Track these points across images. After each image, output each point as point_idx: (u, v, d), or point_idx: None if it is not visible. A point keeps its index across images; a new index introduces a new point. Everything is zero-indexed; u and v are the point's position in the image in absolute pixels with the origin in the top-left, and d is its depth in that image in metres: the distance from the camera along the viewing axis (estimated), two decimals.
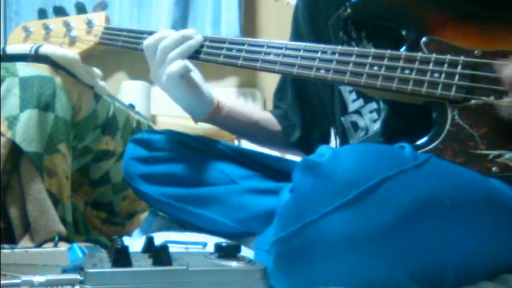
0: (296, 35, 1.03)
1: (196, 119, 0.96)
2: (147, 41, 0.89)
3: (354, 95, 0.88)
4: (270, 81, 2.61)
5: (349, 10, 0.80)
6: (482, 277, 0.61)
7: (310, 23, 0.97)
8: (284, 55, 0.81)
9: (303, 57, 0.79)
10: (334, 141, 0.97)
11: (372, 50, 0.75)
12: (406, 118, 0.78)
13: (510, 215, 0.60)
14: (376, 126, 0.84)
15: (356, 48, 0.76)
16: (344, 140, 0.91)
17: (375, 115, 0.84)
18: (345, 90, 0.89)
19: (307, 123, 1.05)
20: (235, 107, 1.00)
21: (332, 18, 0.86)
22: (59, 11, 1.07)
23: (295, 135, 1.05)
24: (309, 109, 1.05)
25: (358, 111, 0.87)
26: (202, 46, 0.89)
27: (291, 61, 0.80)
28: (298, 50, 0.80)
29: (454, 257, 0.57)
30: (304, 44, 0.80)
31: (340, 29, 0.84)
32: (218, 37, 0.89)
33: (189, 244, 0.81)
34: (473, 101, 0.68)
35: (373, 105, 0.84)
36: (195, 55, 0.89)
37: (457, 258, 0.57)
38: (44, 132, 1.02)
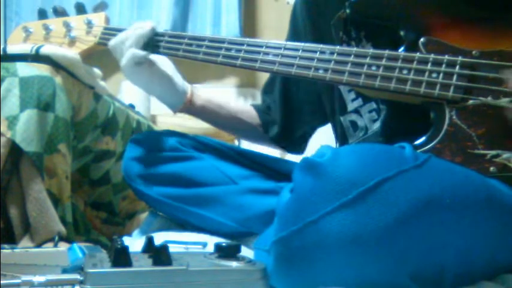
0: (293, 34, 1.03)
1: (172, 110, 1.01)
2: (111, 42, 0.95)
3: (353, 95, 0.88)
4: None
5: (348, 10, 0.80)
6: (482, 277, 0.61)
7: (311, 23, 0.97)
8: (283, 55, 0.81)
9: (301, 57, 0.79)
10: (322, 140, 0.97)
11: (371, 51, 0.75)
12: (405, 118, 0.78)
13: (510, 214, 0.60)
14: (376, 126, 0.84)
15: (354, 49, 0.76)
16: (343, 139, 0.91)
17: (374, 115, 0.84)
18: (344, 89, 0.89)
19: (288, 120, 1.06)
20: (212, 99, 1.04)
21: (332, 18, 0.86)
22: (59, 12, 1.07)
23: (273, 131, 1.06)
24: (293, 107, 1.05)
25: (357, 111, 0.87)
26: (201, 46, 0.89)
27: (289, 61, 0.80)
28: (296, 50, 0.80)
29: (454, 256, 0.57)
30: (302, 44, 0.80)
31: (341, 29, 0.84)
32: (217, 37, 0.89)
33: (189, 244, 0.81)
34: (471, 101, 0.68)
35: (373, 104, 0.84)
36: (194, 55, 0.89)
37: (457, 258, 0.57)
38: (44, 132, 1.02)
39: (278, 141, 1.07)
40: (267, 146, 1.13)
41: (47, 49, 1.07)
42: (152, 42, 0.93)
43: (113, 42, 0.95)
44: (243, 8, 2.64)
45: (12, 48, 1.09)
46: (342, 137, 0.91)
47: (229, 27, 2.58)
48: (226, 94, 2.58)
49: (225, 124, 1.08)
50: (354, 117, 0.88)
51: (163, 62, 0.96)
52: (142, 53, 0.92)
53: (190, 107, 1.00)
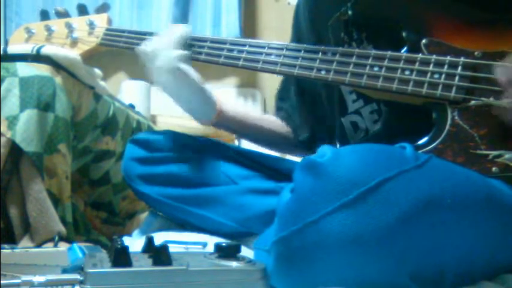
0: (296, 37, 1.03)
1: (205, 121, 0.94)
2: (143, 46, 0.90)
3: (354, 96, 0.88)
4: (270, 82, 2.62)
5: (349, 12, 0.80)
6: (482, 277, 0.61)
7: (312, 25, 0.97)
8: (285, 56, 0.81)
9: (303, 58, 0.79)
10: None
11: (373, 52, 0.75)
12: (406, 119, 0.78)
13: (510, 215, 0.60)
14: (377, 127, 0.84)
15: (356, 50, 0.76)
16: (344, 140, 0.91)
17: (375, 116, 0.84)
18: (345, 90, 0.89)
19: (312, 122, 1.05)
20: (238, 109, 0.99)
21: (332, 19, 0.86)
22: (61, 14, 1.07)
23: (304, 135, 1.04)
24: (313, 108, 1.04)
25: (358, 112, 0.87)
26: (203, 47, 0.89)
27: (291, 62, 0.80)
28: (298, 51, 0.81)
29: (454, 257, 0.57)
30: (304, 45, 0.81)
31: (341, 31, 0.84)
32: (219, 38, 0.89)
33: (189, 244, 0.81)
34: (473, 102, 0.68)
35: (374, 105, 0.84)
36: (196, 56, 0.89)
37: (457, 258, 0.57)
38: (43, 132, 1.02)
39: (309, 145, 1.05)
40: (291, 154, 1.10)
41: (47, 49, 1.07)
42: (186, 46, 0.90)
43: (148, 46, 0.89)
44: (243, 8, 2.64)
45: (13, 48, 1.09)
46: (342, 138, 0.91)
47: (229, 27, 2.59)
48: (226, 94, 2.59)
49: (252, 134, 1.04)
50: (354, 118, 0.88)
51: (194, 71, 0.90)
52: (186, 52, 0.88)
53: (221, 117, 0.94)
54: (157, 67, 0.87)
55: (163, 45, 0.88)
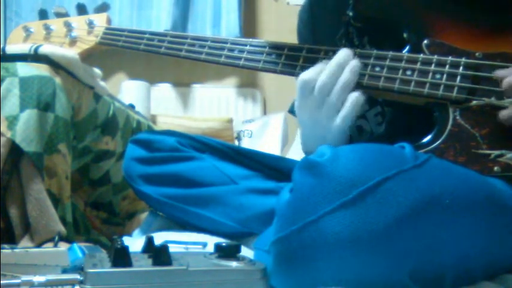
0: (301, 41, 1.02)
1: None
2: (306, 76, 0.75)
3: None
4: (270, 82, 2.62)
5: (350, 13, 0.80)
6: (482, 277, 0.61)
7: (313, 32, 0.97)
8: (286, 56, 0.81)
9: (305, 58, 0.79)
10: None
11: (374, 52, 0.75)
12: (410, 120, 0.78)
13: (510, 215, 0.60)
14: (381, 129, 0.84)
15: (358, 50, 0.76)
16: (348, 143, 0.91)
17: (379, 118, 0.84)
18: None
19: None
20: None
21: (331, 27, 0.86)
22: (60, 14, 1.07)
23: None
24: None
25: (363, 116, 0.87)
26: (203, 46, 0.89)
27: (292, 62, 0.80)
28: (300, 50, 0.81)
29: (454, 257, 0.57)
30: (306, 45, 0.81)
31: (343, 38, 0.84)
32: (220, 37, 0.89)
33: (189, 244, 0.81)
34: (474, 102, 0.68)
35: (378, 108, 0.84)
36: (196, 55, 0.89)
37: (457, 258, 0.57)
38: (44, 132, 1.02)
39: None
40: None
41: (45, 48, 1.07)
42: None
43: (309, 78, 0.75)
44: (243, 8, 2.64)
45: (11, 48, 1.09)
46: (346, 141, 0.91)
47: (229, 27, 2.58)
48: (226, 94, 2.59)
49: None
50: (359, 122, 0.88)
51: None
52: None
53: None
54: (327, 105, 0.73)
55: (339, 82, 0.73)
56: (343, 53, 0.75)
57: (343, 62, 0.74)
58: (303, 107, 0.76)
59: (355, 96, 0.72)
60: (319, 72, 0.74)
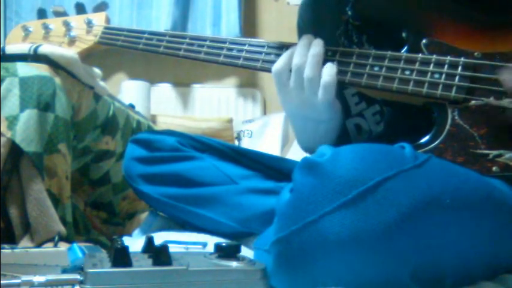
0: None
1: None
2: (277, 65, 0.79)
3: (356, 98, 0.88)
4: (270, 81, 2.62)
5: (349, 12, 0.80)
6: (482, 277, 0.61)
7: (313, 35, 0.97)
8: None
9: None
10: None
11: (373, 51, 0.75)
12: (409, 119, 0.78)
13: (510, 214, 0.60)
14: (380, 128, 0.84)
15: (357, 49, 0.76)
16: (347, 142, 0.91)
17: (378, 117, 0.84)
18: (347, 93, 0.89)
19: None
20: None
21: (330, 26, 0.86)
22: (59, 13, 1.07)
23: None
24: None
25: (361, 114, 0.87)
26: (202, 46, 0.89)
27: None
28: None
29: (454, 257, 0.57)
30: None
31: (341, 36, 0.84)
32: (219, 37, 0.89)
33: (189, 244, 0.81)
34: (473, 102, 0.68)
35: (376, 107, 0.84)
36: (195, 55, 0.89)
37: (457, 258, 0.57)
38: (44, 132, 1.02)
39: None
40: None
41: (44, 48, 1.06)
42: None
43: (281, 67, 0.78)
44: (243, 8, 2.64)
45: (10, 48, 1.09)
46: (345, 140, 0.91)
47: (229, 27, 2.58)
48: (226, 94, 2.59)
49: None
50: (358, 120, 0.88)
51: None
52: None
53: None
54: (307, 84, 0.76)
55: (312, 60, 0.76)
56: (305, 36, 0.79)
57: (307, 42, 0.79)
58: (286, 95, 0.79)
59: (329, 65, 0.76)
60: (289, 58, 0.78)
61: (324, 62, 0.77)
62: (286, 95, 0.79)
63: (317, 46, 0.78)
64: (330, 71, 0.76)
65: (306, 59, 0.77)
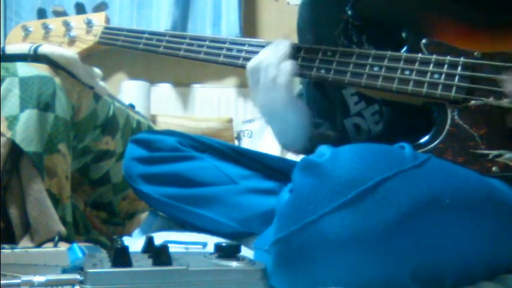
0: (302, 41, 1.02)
1: (295, 149, 0.92)
2: (251, 64, 0.84)
3: (355, 98, 0.88)
4: None
5: (349, 12, 0.80)
6: (482, 277, 0.61)
7: (313, 30, 0.97)
8: None
9: (303, 58, 0.79)
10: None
11: (372, 51, 0.75)
12: (408, 119, 0.78)
13: (510, 214, 0.60)
14: (379, 128, 0.84)
15: (356, 49, 0.76)
16: (346, 142, 0.91)
17: (377, 117, 0.84)
18: (346, 93, 0.89)
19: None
20: None
21: (330, 25, 0.86)
22: (59, 13, 1.07)
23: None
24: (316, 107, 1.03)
25: (360, 114, 0.87)
26: (202, 46, 0.89)
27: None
28: (299, 50, 0.81)
29: (454, 257, 0.57)
30: (304, 45, 0.81)
31: (341, 35, 0.84)
32: (218, 37, 0.89)
33: (189, 244, 0.81)
34: (473, 102, 0.68)
35: (375, 107, 0.84)
36: (195, 55, 0.89)
37: (457, 258, 0.57)
38: (44, 132, 1.02)
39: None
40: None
41: (45, 48, 1.06)
42: None
43: (258, 59, 0.83)
44: (243, 8, 2.64)
45: (10, 48, 1.09)
46: (344, 140, 0.91)
47: (229, 27, 2.58)
48: (226, 94, 2.59)
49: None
50: (356, 120, 0.88)
51: None
52: (296, 64, 0.82)
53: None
54: (270, 80, 0.81)
55: (276, 58, 0.81)
56: (277, 40, 0.84)
57: (278, 42, 0.83)
58: (259, 91, 0.83)
59: (287, 63, 0.80)
60: (261, 57, 0.83)
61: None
62: (258, 89, 0.83)
63: (282, 47, 0.82)
64: (285, 70, 0.79)
65: (274, 59, 0.80)
